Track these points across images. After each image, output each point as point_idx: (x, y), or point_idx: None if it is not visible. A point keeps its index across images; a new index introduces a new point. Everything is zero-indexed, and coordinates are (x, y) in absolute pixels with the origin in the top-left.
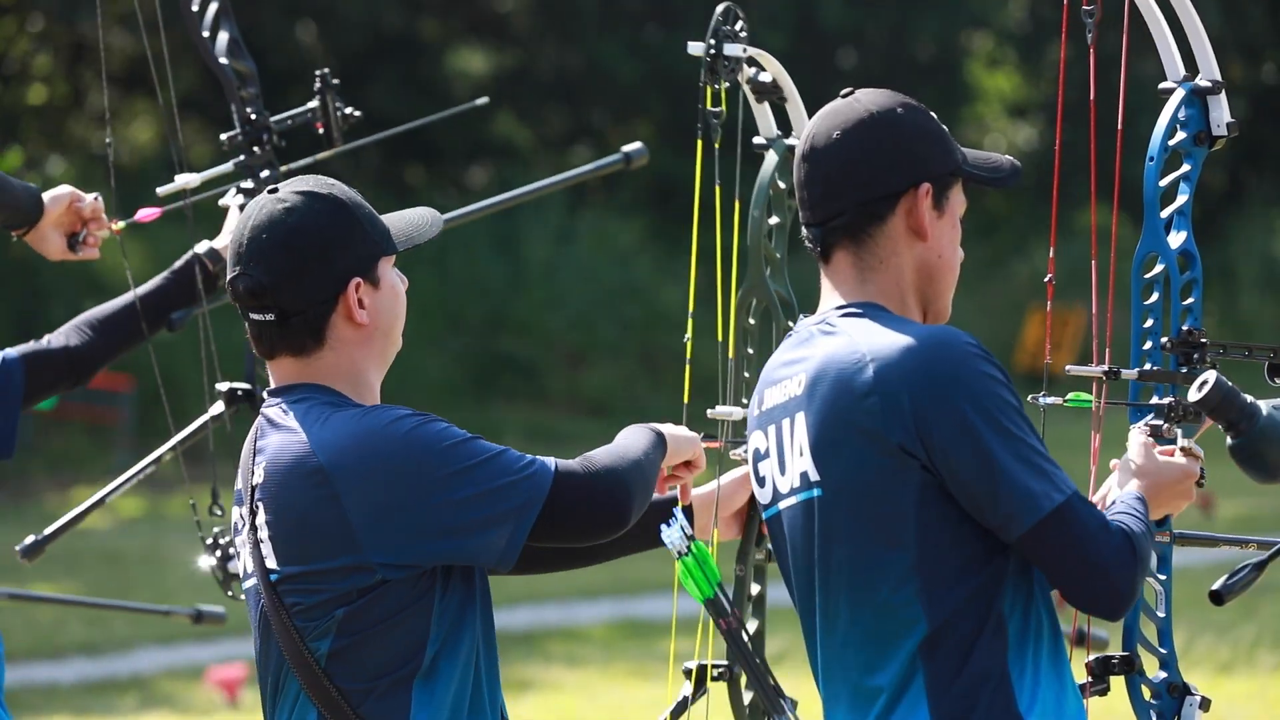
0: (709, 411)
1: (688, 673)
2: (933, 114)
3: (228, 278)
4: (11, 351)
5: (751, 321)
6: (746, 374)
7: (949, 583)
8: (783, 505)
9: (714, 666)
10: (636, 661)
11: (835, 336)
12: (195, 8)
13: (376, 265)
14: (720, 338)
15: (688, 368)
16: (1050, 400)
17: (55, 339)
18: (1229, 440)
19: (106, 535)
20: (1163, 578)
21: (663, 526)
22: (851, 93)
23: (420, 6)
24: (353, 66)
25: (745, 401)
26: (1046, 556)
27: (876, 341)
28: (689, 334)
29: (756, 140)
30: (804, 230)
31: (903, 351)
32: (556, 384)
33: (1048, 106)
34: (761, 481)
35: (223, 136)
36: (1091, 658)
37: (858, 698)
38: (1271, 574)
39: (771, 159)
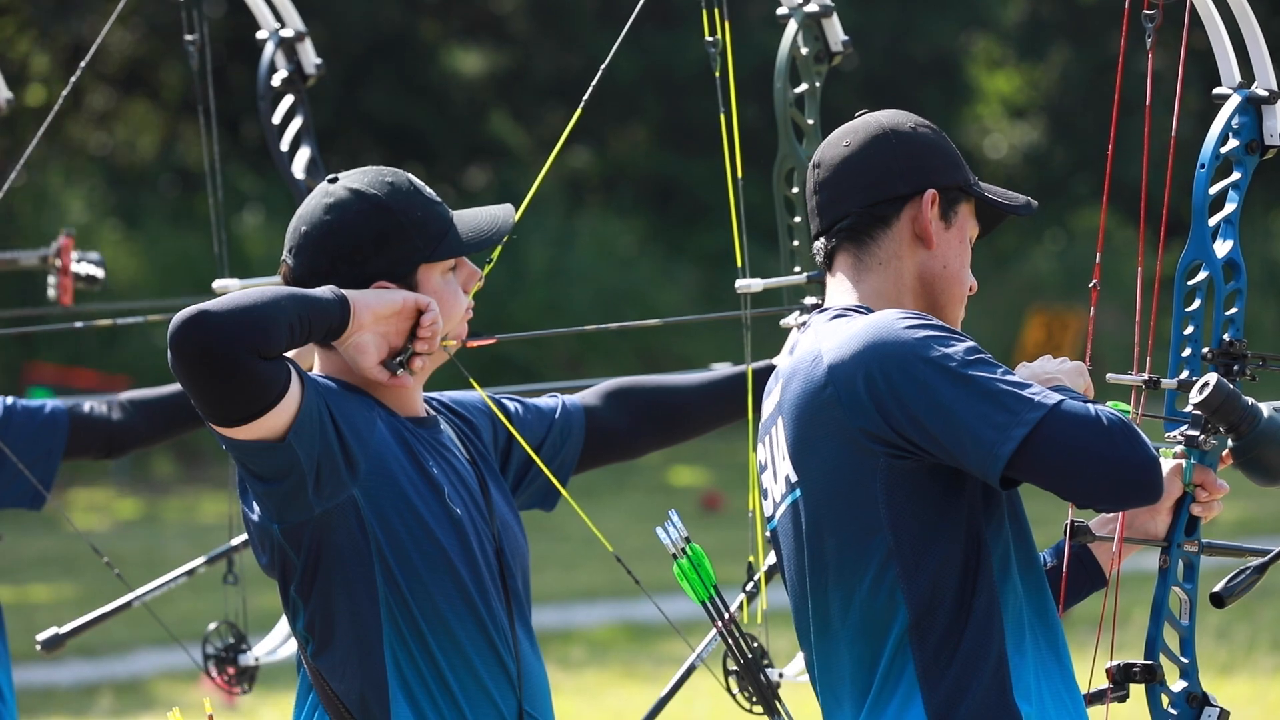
0: (738, 284)
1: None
2: (948, 138)
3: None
4: (59, 404)
5: (794, 190)
6: (795, 242)
7: (928, 566)
8: (777, 515)
9: None
10: (635, 664)
11: (807, 340)
12: (276, 121)
13: (414, 272)
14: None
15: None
16: None
17: (98, 408)
18: (1230, 443)
19: (104, 538)
20: (1189, 586)
21: (659, 529)
22: (865, 113)
23: (418, 7)
24: (350, 66)
25: (798, 269)
26: (1048, 475)
27: (831, 337)
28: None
29: (780, 11)
30: (814, 245)
31: (848, 339)
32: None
33: (1048, 107)
34: (765, 494)
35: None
36: (1112, 664)
37: (856, 696)
38: (1272, 576)
39: (792, 27)
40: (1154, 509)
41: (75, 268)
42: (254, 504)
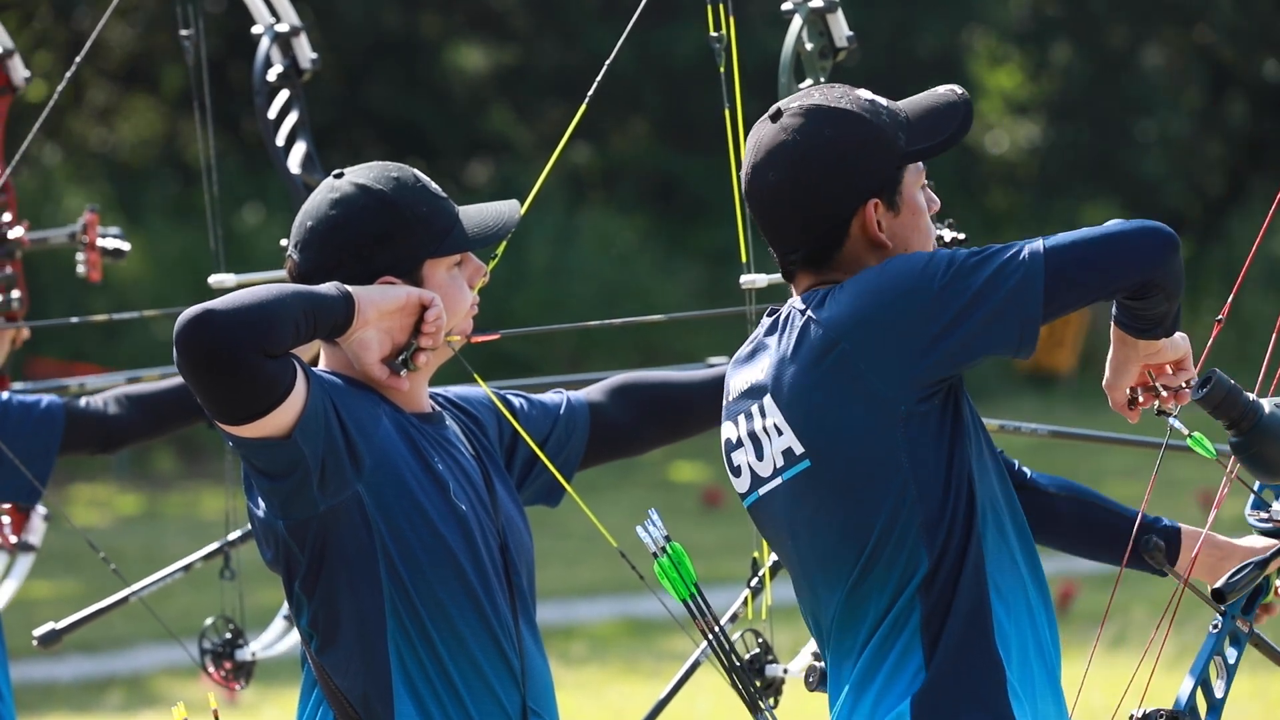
0: (742, 279)
1: None
2: (866, 108)
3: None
4: (55, 399)
5: None
6: None
7: (946, 515)
8: (765, 490)
9: None
10: (636, 660)
11: (785, 318)
12: (272, 116)
13: (420, 267)
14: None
15: None
16: (1176, 424)
17: (94, 403)
18: (1230, 438)
19: (105, 534)
20: (1231, 663)
21: (639, 528)
22: (779, 115)
23: (420, 3)
24: (352, 63)
25: None
26: (1082, 293)
27: (820, 307)
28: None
29: (785, 6)
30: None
31: (840, 303)
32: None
33: (1049, 104)
34: (737, 471)
35: (283, 242)
36: (1138, 713)
37: (860, 644)
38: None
39: (797, 22)
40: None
41: (101, 242)
42: (259, 499)
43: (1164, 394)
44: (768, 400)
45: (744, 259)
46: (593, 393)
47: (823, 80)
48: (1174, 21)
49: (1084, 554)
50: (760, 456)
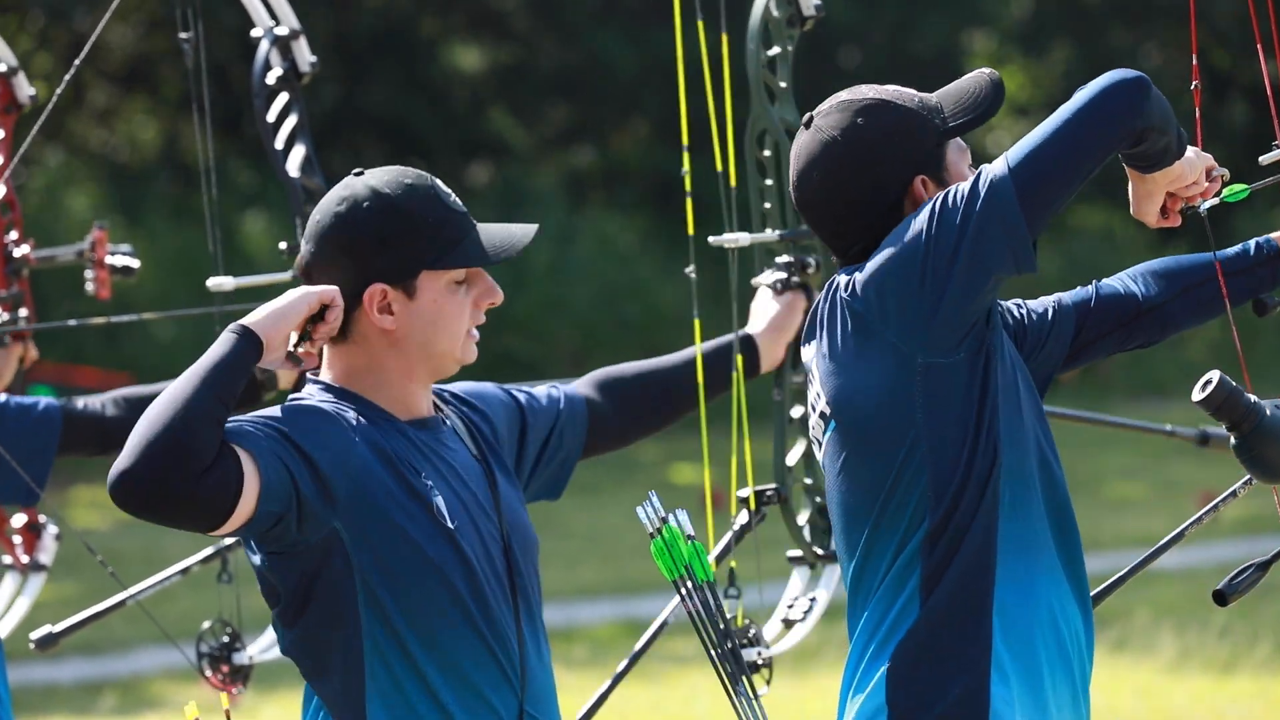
0: (711, 239)
1: (743, 500)
2: (894, 95)
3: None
4: (53, 401)
5: (766, 153)
6: (767, 204)
7: (954, 471)
8: (819, 456)
9: (763, 493)
10: (637, 661)
11: (826, 289)
12: (271, 119)
13: (416, 276)
14: (719, 167)
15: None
16: (1209, 203)
17: (92, 404)
18: (1232, 440)
19: (106, 536)
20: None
21: (638, 508)
22: (811, 120)
23: (420, 3)
24: (351, 62)
25: (770, 229)
26: (1063, 185)
27: (850, 275)
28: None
29: None
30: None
31: (867, 264)
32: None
33: (1050, 105)
34: (814, 445)
35: (281, 245)
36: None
37: (868, 597)
38: (1274, 575)
39: None
40: None
41: (110, 260)
42: (249, 540)
43: (1190, 195)
44: (813, 368)
45: (727, 227)
46: (582, 388)
47: (790, 49)
48: (1174, 21)
49: (1204, 322)
50: (812, 424)
